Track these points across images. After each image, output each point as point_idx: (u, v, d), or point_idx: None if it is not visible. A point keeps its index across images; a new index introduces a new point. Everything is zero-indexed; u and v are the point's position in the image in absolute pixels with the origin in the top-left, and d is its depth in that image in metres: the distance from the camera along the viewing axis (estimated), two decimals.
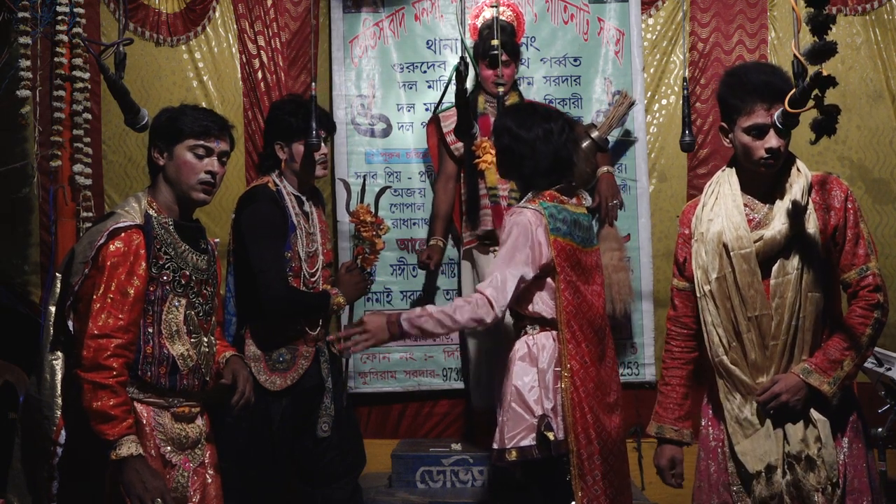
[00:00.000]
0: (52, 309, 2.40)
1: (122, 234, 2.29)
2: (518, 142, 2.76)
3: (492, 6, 4.01)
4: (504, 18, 4.00)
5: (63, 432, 2.31)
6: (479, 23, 4.16)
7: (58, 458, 2.29)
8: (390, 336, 2.59)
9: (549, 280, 2.69)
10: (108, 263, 2.26)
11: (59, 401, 2.32)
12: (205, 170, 2.40)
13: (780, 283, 2.32)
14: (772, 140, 2.29)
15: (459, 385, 4.19)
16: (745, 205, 2.39)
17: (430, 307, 2.61)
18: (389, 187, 3.91)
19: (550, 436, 2.59)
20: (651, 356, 4.16)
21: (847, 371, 2.28)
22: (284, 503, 3.18)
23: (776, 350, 2.33)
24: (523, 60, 4.09)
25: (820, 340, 2.34)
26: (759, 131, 2.30)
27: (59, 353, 2.38)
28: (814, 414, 2.30)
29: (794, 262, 2.31)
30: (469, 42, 4.10)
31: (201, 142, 2.40)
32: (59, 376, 2.36)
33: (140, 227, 2.33)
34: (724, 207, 2.41)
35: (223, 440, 2.70)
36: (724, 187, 2.44)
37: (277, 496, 3.11)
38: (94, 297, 2.25)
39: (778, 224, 2.32)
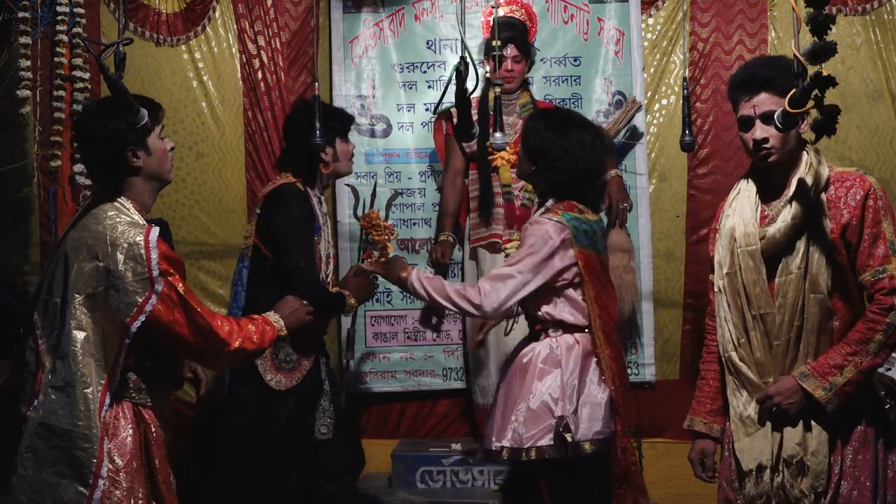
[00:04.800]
0: (81, 334, 2.20)
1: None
2: (552, 146, 2.75)
3: (493, 6, 4.01)
4: (517, 17, 4.00)
5: (105, 464, 2.15)
6: (491, 19, 4.16)
7: (99, 491, 2.14)
8: (396, 280, 2.79)
9: (571, 288, 2.73)
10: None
11: (97, 432, 2.15)
12: (170, 148, 2.39)
13: (784, 282, 2.30)
14: (756, 131, 2.30)
15: (460, 385, 4.19)
16: (765, 202, 2.37)
17: (438, 277, 2.74)
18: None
19: (568, 437, 2.62)
20: (651, 356, 4.16)
21: (848, 377, 2.21)
22: (285, 502, 3.19)
23: (779, 350, 2.31)
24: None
25: (828, 343, 2.29)
26: (744, 124, 2.32)
27: (90, 381, 2.19)
28: (814, 419, 2.27)
29: (798, 261, 2.28)
30: (480, 40, 4.12)
31: (162, 124, 2.37)
32: (94, 406, 2.18)
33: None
34: (739, 203, 2.42)
35: (226, 440, 2.71)
36: (744, 182, 2.45)
37: (279, 495, 3.12)
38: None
39: (780, 222, 2.31)
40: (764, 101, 2.29)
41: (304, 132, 2.99)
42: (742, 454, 2.35)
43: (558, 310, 2.74)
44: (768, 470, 2.30)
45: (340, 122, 3.20)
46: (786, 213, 2.30)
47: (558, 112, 2.94)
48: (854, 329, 2.26)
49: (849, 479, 2.26)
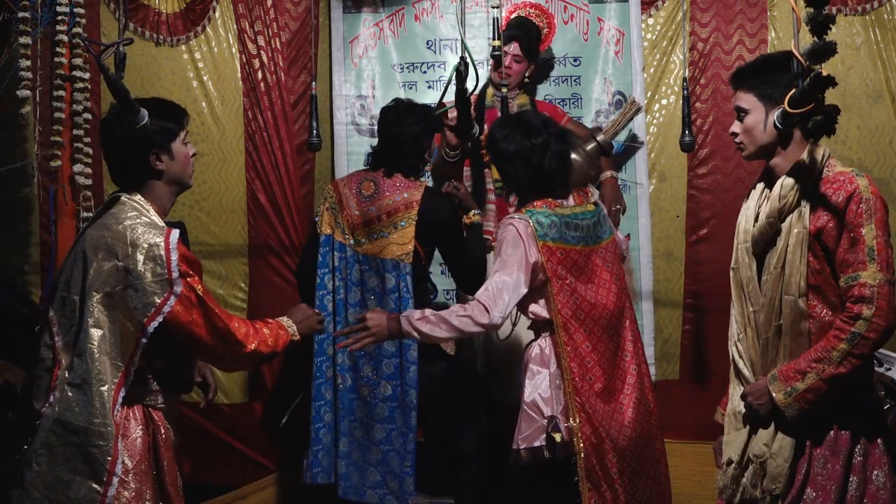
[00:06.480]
0: (98, 332, 2.22)
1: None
2: (501, 158, 2.84)
3: (492, 6, 4.00)
4: (535, 21, 3.97)
5: (119, 462, 2.18)
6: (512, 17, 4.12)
7: (113, 489, 2.17)
8: (388, 334, 2.67)
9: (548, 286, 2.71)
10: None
11: (112, 430, 2.18)
12: (192, 154, 2.43)
13: (765, 281, 2.31)
14: (733, 126, 2.36)
15: None
16: (767, 198, 2.37)
17: (428, 311, 2.66)
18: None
19: (557, 437, 2.62)
20: (651, 356, 4.15)
21: (809, 384, 2.17)
22: None
23: (763, 348, 2.32)
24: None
25: (805, 346, 2.26)
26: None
27: (105, 379, 2.20)
28: (782, 422, 2.26)
29: (775, 260, 2.28)
30: (481, 39, 4.10)
31: (187, 130, 2.41)
32: (108, 404, 2.20)
33: None
34: (750, 199, 2.45)
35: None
36: (759, 178, 2.46)
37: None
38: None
39: (759, 220, 2.33)
40: (737, 97, 2.34)
41: (424, 130, 3.28)
42: (725, 447, 2.39)
43: (542, 308, 2.76)
44: (734, 465, 2.33)
45: (437, 122, 3.39)
46: (763, 213, 2.32)
47: (510, 120, 2.92)
48: (825, 336, 2.21)
49: (814, 486, 2.22)
